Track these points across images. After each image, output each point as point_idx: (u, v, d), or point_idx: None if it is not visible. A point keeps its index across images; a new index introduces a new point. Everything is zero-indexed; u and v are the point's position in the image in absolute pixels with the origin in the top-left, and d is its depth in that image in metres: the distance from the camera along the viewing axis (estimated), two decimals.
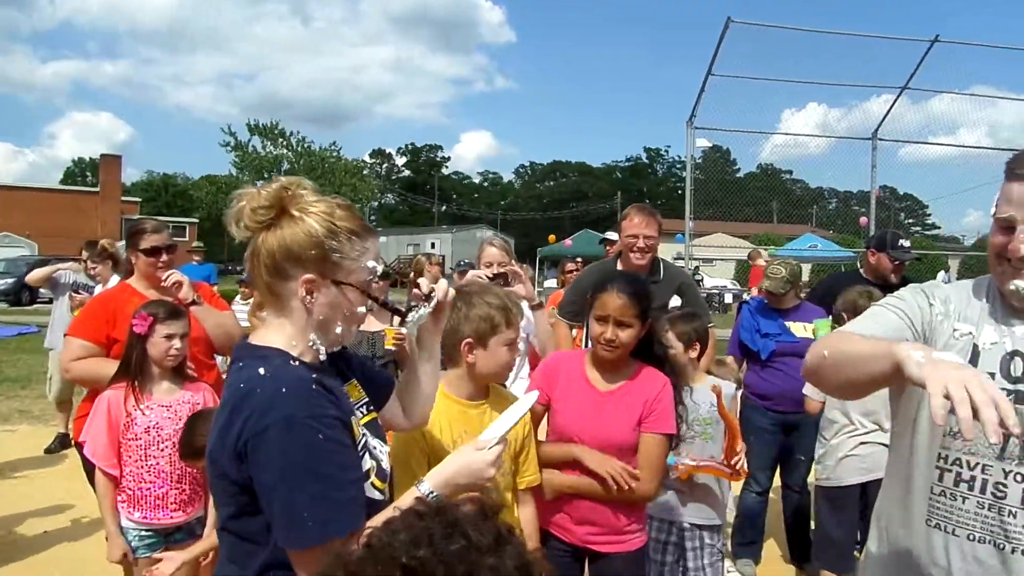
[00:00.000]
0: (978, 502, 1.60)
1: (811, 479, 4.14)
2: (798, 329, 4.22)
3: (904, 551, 1.73)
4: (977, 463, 1.61)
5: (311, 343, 1.48)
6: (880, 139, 11.03)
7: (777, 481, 4.52)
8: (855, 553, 3.53)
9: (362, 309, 1.50)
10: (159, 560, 2.63)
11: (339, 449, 1.39)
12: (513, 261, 3.70)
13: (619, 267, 3.95)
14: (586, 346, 3.88)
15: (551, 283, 20.09)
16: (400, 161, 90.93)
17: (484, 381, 2.29)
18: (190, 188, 53.79)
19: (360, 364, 1.74)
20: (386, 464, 1.61)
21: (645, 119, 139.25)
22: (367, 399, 1.67)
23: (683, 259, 11.50)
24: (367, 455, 1.52)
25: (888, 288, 3.95)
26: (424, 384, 1.81)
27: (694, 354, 3.16)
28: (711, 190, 13.43)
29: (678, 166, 77.99)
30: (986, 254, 1.67)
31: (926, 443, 1.69)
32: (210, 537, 2.67)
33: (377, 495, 1.52)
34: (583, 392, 2.56)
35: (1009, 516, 1.57)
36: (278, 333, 1.49)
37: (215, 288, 7.55)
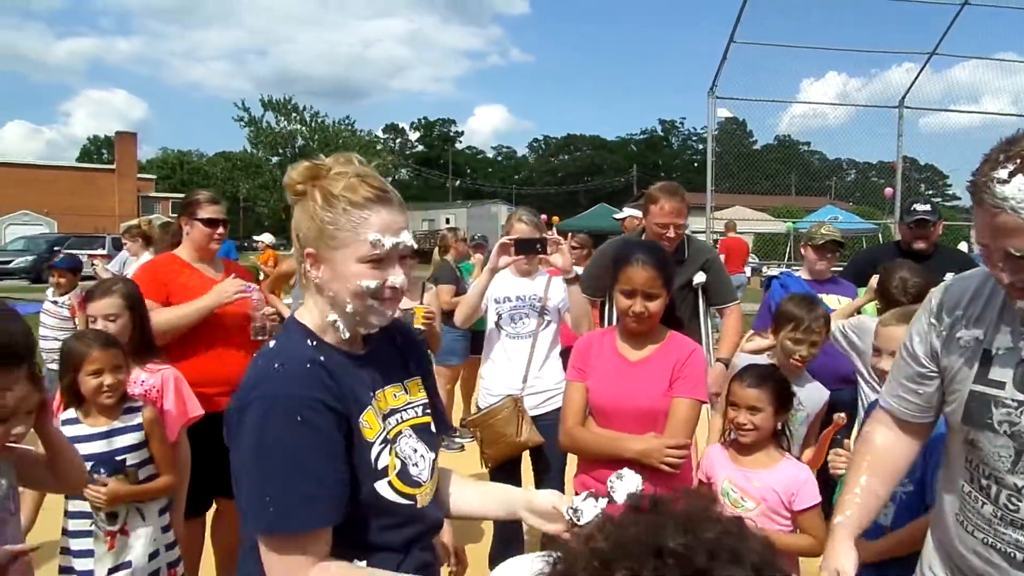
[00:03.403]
0: (992, 511, 1.56)
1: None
2: (832, 302, 4.10)
3: (947, 539, 1.73)
4: (991, 472, 1.56)
5: (333, 322, 1.41)
6: (907, 107, 10.75)
7: None
8: None
9: (372, 283, 1.36)
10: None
11: (316, 435, 1.29)
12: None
13: None
14: (607, 323, 3.82)
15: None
16: (413, 136, 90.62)
17: None
18: (205, 165, 53.78)
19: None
20: (421, 471, 1.49)
21: (660, 91, 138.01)
22: (427, 400, 1.60)
23: (704, 233, 11.36)
24: (386, 451, 1.42)
25: (921, 257, 3.87)
26: None
27: None
28: (728, 163, 13.25)
29: (694, 138, 77.33)
30: None
31: (958, 443, 1.66)
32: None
33: (396, 497, 1.41)
34: (613, 364, 2.57)
35: (1022, 530, 1.52)
36: (309, 311, 1.47)
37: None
